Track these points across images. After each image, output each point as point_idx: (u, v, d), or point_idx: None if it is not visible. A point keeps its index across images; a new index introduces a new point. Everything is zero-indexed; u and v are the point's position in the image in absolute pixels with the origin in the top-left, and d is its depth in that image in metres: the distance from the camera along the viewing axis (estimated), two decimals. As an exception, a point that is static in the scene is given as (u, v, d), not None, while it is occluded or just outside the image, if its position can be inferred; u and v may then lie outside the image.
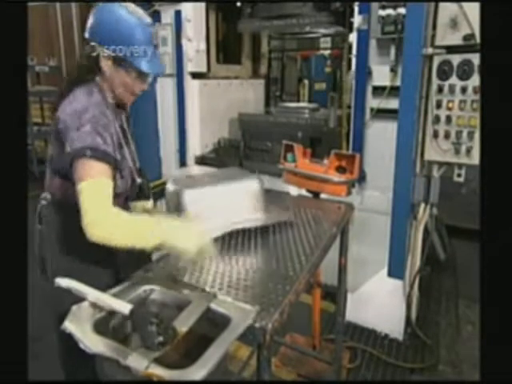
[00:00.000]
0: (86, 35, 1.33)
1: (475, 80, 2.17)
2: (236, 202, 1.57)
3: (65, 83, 1.44)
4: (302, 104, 4.66)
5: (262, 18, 3.35)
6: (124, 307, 0.96)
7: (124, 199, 1.50)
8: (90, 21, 1.32)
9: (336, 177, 2.02)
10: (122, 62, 1.30)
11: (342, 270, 2.03)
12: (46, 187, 1.54)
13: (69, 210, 1.31)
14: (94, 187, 1.21)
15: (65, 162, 1.27)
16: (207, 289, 1.10)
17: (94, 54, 1.32)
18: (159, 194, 3.73)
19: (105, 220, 1.18)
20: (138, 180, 1.53)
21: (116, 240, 1.17)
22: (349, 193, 2.05)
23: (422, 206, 2.51)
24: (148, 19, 1.34)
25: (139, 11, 1.33)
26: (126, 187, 1.45)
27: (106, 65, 1.32)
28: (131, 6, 1.33)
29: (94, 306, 0.99)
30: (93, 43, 1.31)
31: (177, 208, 1.51)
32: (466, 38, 2.11)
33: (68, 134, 1.26)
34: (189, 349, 1.00)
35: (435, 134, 2.33)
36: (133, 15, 1.30)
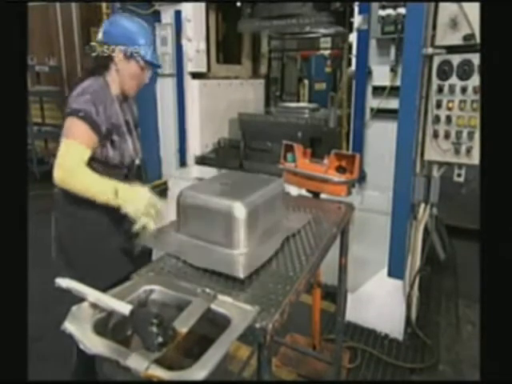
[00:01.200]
0: (101, 39, 1.66)
1: (475, 80, 2.17)
2: (275, 209, 1.50)
3: (79, 76, 1.73)
4: (301, 104, 4.66)
5: (261, 17, 3.34)
6: (124, 308, 0.96)
7: (123, 176, 1.69)
8: (104, 28, 1.67)
9: (336, 177, 2.02)
10: (132, 55, 1.64)
11: (342, 269, 2.02)
12: None
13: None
14: (73, 147, 1.49)
15: None
16: (207, 289, 1.10)
17: (106, 53, 1.65)
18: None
19: (70, 167, 1.47)
20: (137, 161, 1.78)
21: (73, 184, 1.47)
22: (349, 193, 2.05)
23: (422, 206, 2.52)
24: (146, 25, 1.73)
25: (140, 20, 1.73)
26: (122, 161, 1.69)
27: (118, 59, 1.65)
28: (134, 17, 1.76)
29: (94, 306, 0.99)
30: (107, 45, 1.64)
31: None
32: (466, 38, 2.11)
33: (72, 101, 1.55)
34: (189, 349, 1.00)
35: (435, 134, 2.33)
36: (136, 22, 1.70)
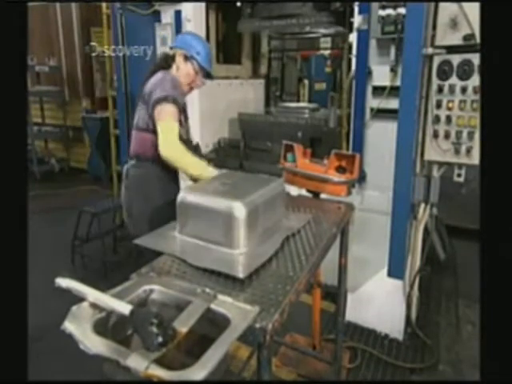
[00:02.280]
0: (171, 44, 2.21)
1: (475, 80, 2.17)
2: (275, 209, 1.53)
3: (149, 70, 2.08)
4: (301, 104, 4.66)
5: (261, 17, 3.34)
6: (124, 308, 0.96)
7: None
8: (176, 38, 2.25)
9: (336, 177, 2.02)
10: (190, 58, 2.07)
11: (342, 269, 2.02)
12: (131, 151, 2.08)
13: (147, 163, 1.98)
14: (170, 124, 1.86)
15: (148, 115, 1.92)
16: (207, 289, 1.10)
17: (172, 54, 2.10)
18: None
19: (176, 146, 1.83)
20: (196, 141, 2.24)
21: (180, 163, 1.87)
22: (349, 193, 2.05)
23: (422, 206, 2.51)
24: (206, 42, 2.32)
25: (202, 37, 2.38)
26: (187, 138, 2.10)
27: (179, 59, 2.08)
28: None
29: (94, 306, 0.99)
30: (173, 48, 2.14)
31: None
32: (466, 38, 2.11)
33: (153, 92, 1.90)
34: (189, 349, 1.00)
35: (435, 134, 2.33)
36: (198, 37, 2.22)
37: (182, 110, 2.03)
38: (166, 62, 2.09)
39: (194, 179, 1.89)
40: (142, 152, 2.00)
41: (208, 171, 1.86)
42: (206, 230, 1.36)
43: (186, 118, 2.17)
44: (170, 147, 1.84)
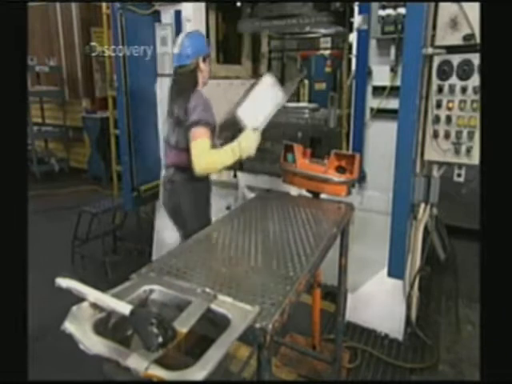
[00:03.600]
0: (191, 54, 2.21)
1: (475, 80, 2.17)
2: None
3: (175, 90, 2.30)
4: (301, 104, 4.65)
5: (262, 18, 3.34)
6: (124, 308, 0.96)
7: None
8: (185, 46, 2.22)
9: (336, 177, 2.02)
10: (206, 57, 2.28)
11: (342, 270, 2.03)
12: (170, 162, 2.34)
13: (186, 171, 2.20)
14: (201, 143, 2.07)
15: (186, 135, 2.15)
16: (207, 289, 1.10)
17: (191, 65, 2.22)
18: (159, 194, 3.73)
19: (205, 156, 2.07)
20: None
21: (214, 164, 2.10)
22: (349, 193, 2.05)
23: (422, 206, 2.51)
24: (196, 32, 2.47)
25: (192, 31, 2.47)
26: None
27: (202, 63, 2.25)
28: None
29: (94, 306, 0.99)
30: (194, 57, 2.22)
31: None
32: (466, 38, 2.11)
33: (190, 115, 2.12)
34: (189, 349, 1.00)
35: (435, 134, 2.33)
36: (195, 33, 2.35)
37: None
38: (194, 78, 2.24)
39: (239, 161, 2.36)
40: (184, 164, 2.21)
41: (235, 153, 2.10)
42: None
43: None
44: (201, 165, 2.08)
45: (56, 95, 6.85)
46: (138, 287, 1.12)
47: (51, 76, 6.86)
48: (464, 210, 3.87)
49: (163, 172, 2.43)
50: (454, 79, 2.23)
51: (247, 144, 2.11)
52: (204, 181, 2.33)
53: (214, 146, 2.16)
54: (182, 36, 2.28)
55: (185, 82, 2.24)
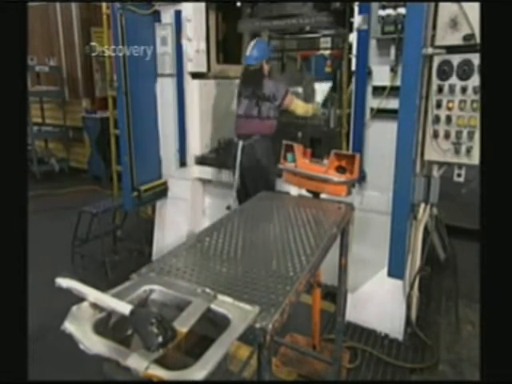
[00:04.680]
0: (257, 58, 3.06)
1: (475, 80, 2.17)
2: None
3: (257, 77, 3.08)
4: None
5: (262, 18, 3.34)
6: (124, 308, 0.96)
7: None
8: (257, 49, 3.06)
9: (336, 177, 2.02)
10: (268, 60, 3.12)
11: (342, 269, 2.02)
12: (252, 130, 3.07)
13: (267, 138, 3.07)
14: (296, 101, 3.13)
15: (273, 107, 3.06)
16: (207, 289, 1.10)
17: (258, 66, 3.06)
18: (159, 194, 3.73)
19: (302, 108, 3.16)
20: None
21: (306, 108, 3.17)
22: (349, 193, 2.05)
23: (422, 206, 2.51)
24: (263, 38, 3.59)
25: (259, 38, 3.42)
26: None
27: (264, 65, 3.09)
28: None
29: (94, 306, 0.99)
30: (257, 62, 3.05)
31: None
32: (466, 38, 2.11)
33: (276, 93, 3.03)
34: (189, 349, 1.00)
35: (435, 134, 2.33)
36: (259, 40, 3.23)
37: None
38: (262, 72, 3.09)
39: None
40: (267, 132, 3.06)
41: (307, 108, 3.18)
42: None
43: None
44: (301, 111, 3.15)
45: (56, 95, 6.85)
46: (138, 287, 1.12)
47: (51, 76, 6.86)
48: (464, 210, 3.87)
49: (240, 142, 3.05)
50: (454, 79, 2.23)
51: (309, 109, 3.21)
52: (273, 143, 3.02)
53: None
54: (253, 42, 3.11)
55: (259, 73, 3.07)
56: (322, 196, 2.11)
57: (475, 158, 2.23)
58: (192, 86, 3.42)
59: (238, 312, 1.00)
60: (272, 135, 3.08)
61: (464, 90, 2.20)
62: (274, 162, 2.74)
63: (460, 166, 2.35)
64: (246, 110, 3.07)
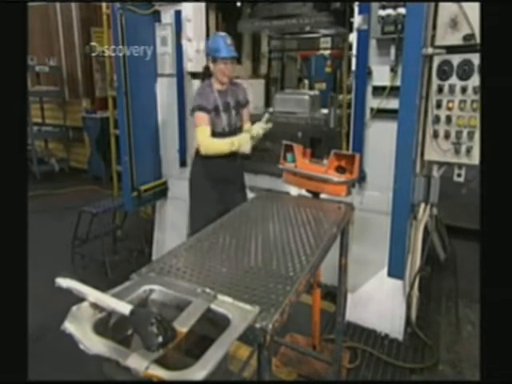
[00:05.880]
0: (207, 54, 2.62)
1: (475, 80, 2.17)
2: None
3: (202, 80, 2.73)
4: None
5: (262, 17, 3.34)
6: (124, 308, 0.96)
7: (229, 135, 2.62)
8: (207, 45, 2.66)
9: (336, 177, 2.02)
10: (213, 59, 2.55)
11: (342, 270, 2.02)
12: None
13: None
14: (202, 129, 2.51)
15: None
16: (207, 289, 1.10)
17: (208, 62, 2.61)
18: (159, 194, 3.73)
19: (206, 142, 2.51)
20: (238, 124, 2.74)
21: (214, 149, 2.54)
22: (349, 193, 2.05)
23: (422, 205, 2.51)
24: (223, 34, 2.61)
25: (219, 33, 2.72)
26: (224, 128, 2.63)
27: (210, 64, 2.59)
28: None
29: (94, 306, 0.99)
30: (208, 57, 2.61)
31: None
32: (466, 38, 2.11)
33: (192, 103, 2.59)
34: (189, 349, 1.00)
35: (435, 134, 2.33)
36: (214, 36, 2.68)
37: (222, 104, 2.60)
38: (205, 72, 2.67)
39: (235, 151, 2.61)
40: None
41: (234, 144, 2.54)
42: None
43: (228, 110, 2.65)
44: (202, 146, 2.53)
45: (56, 95, 6.85)
46: (138, 287, 1.12)
47: (51, 76, 6.86)
48: (464, 210, 3.87)
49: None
50: (454, 79, 2.23)
51: (240, 142, 2.57)
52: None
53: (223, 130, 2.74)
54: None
55: (202, 75, 2.78)
56: (322, 196, 2.11)
57: (475, 158, 2.23)
58: (192, 86, 3.42)
59: (238, 312, 1.00)
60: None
61: (464, 90, 2.20)
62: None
63: (460, 166, 2.35)
64: None
